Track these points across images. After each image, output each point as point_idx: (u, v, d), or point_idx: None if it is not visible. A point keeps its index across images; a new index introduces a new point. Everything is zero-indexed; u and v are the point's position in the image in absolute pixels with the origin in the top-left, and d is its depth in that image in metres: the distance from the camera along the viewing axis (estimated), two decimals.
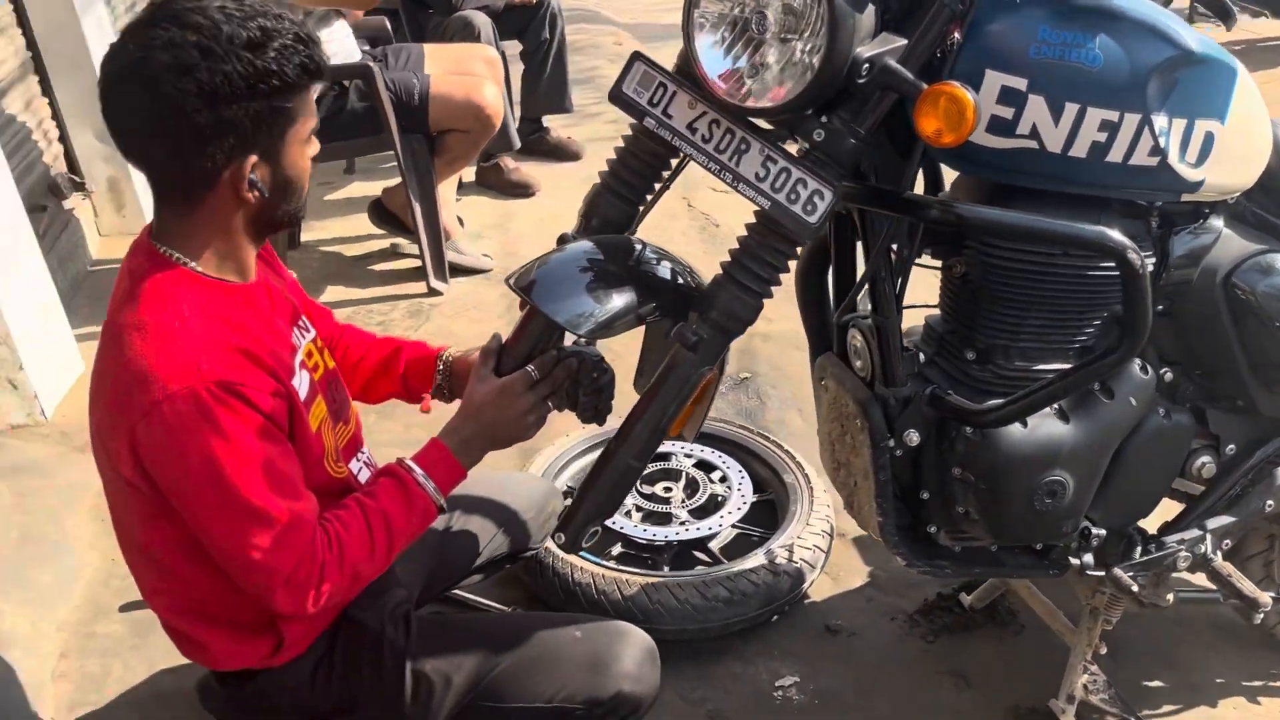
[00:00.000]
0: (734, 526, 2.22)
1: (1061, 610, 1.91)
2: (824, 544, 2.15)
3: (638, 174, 1.50)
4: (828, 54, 1.25)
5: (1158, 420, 1.61)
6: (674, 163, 1.52)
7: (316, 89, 1.33)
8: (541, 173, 4.30)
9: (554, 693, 1.46)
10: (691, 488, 2.30)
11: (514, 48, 4.37)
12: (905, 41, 1.31)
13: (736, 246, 1.42)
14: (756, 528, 2.25)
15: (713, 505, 2.25)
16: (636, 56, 1.44)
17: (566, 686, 1.46)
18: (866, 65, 1.28)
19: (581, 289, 1.35)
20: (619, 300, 1.36)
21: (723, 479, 2.32)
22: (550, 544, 1.97)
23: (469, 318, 3.33)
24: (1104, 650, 1.80)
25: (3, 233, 2.65)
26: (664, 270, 1.45)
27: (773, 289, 1.41)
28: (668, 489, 2.31)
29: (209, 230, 1.31)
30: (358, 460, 1.57)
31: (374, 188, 3.91)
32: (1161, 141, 1.39)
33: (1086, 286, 1.49)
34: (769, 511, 2.32)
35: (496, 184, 4.20)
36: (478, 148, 3.42)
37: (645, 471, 2.35)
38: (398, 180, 3.33)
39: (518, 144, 4.07)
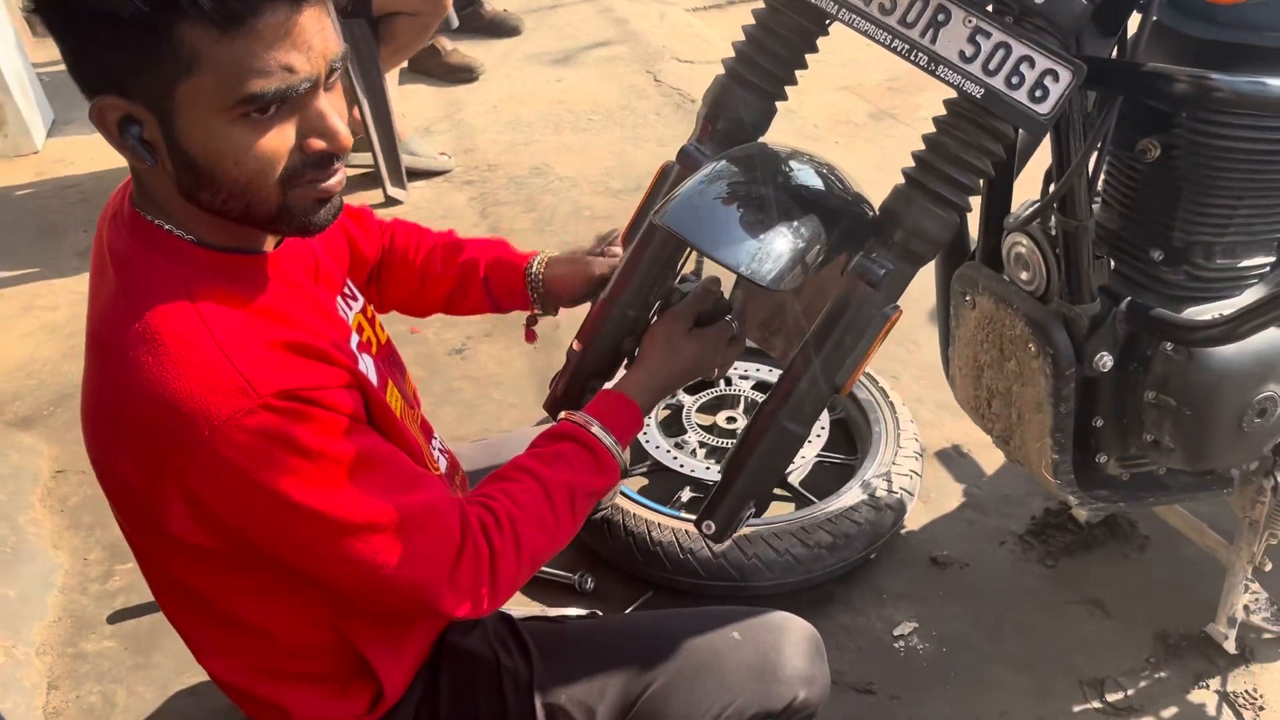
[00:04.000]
0: (816, 456, 1.96)
1: (1205, 523, 1.72)
2: (918, 467, 1.91)
3: (778, 59, 1.17)
4: None
5: None
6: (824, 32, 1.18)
7: (269, 42, 0.83)
8: (480, 52, 3.85)
9: (720, 710, 1.20)
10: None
11: None
12: None
13: (923, 146, 1.11)
14: (836, 454, 2.00)
15: None
16: None
17: (736, 700, 1.20)
18: None
19: (758, 229, 1.02)
20: (806, 233, 1.04)
21: None
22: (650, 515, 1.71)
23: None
24: (1269, 567, 1.61)
25: None
26: (831, 187, 1.13)
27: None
28: (731, 419, 2.03)
29: (157, 186, 0.92)
30: (433, 448, 1.25)
31: None
32: None
33: None
34: (843, 434, 2.06)
35: (434, 69, 3.74)
36: (429, 31, 2.98)
37: (701, 400, 2.08)
38: None
39: (455, 22, 3.60)
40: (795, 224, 1.03)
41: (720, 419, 2.03)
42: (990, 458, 2.06)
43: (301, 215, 0.92)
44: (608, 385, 1.25)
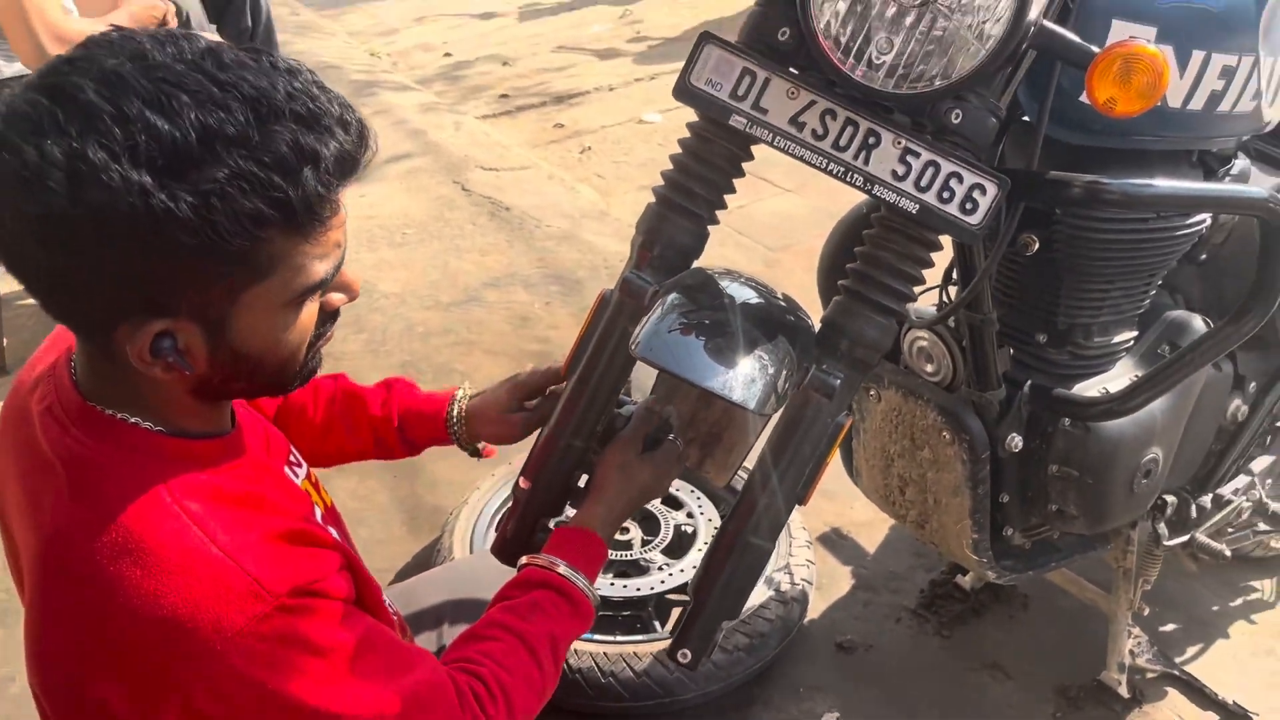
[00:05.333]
0: None
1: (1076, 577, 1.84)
2: (812, 555, 1.95)
3: (710, 184, 1.18)
4: (1014, 21, 1.01)
5: (1212, 373, 1.54)
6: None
7: (333, 228, 0.83)
8: None
9: None
10: (650, 526, 2.01)
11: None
12: None
13: (858, 260, 1.16)
14: None
15: (682, 541, 1.97)
16: (707, 38, 1.12)
17: None
18: (1030, 28, 1.05)
19: (736, 355, 1.02)
20: (778, 354, 1.05)
21: (679, 507, 2.05)
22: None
23: None
24: (1146, 612, 1.75)
25: None
26: (775, 306, 1.15)
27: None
28: (625, 531, 2.00)
29: (150, 384, 0.85)
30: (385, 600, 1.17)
31: None
32: (1262, 83, 1.28)
33: (1167, 248, 1.38)
34: None
35: None
36: None
37: None
38: None
39: None
40: (766, 348, 1.05)
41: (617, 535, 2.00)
42: (870, 537, 2.14)
43: (310, 371, 0.87)
44: (560, 521, 1.21)
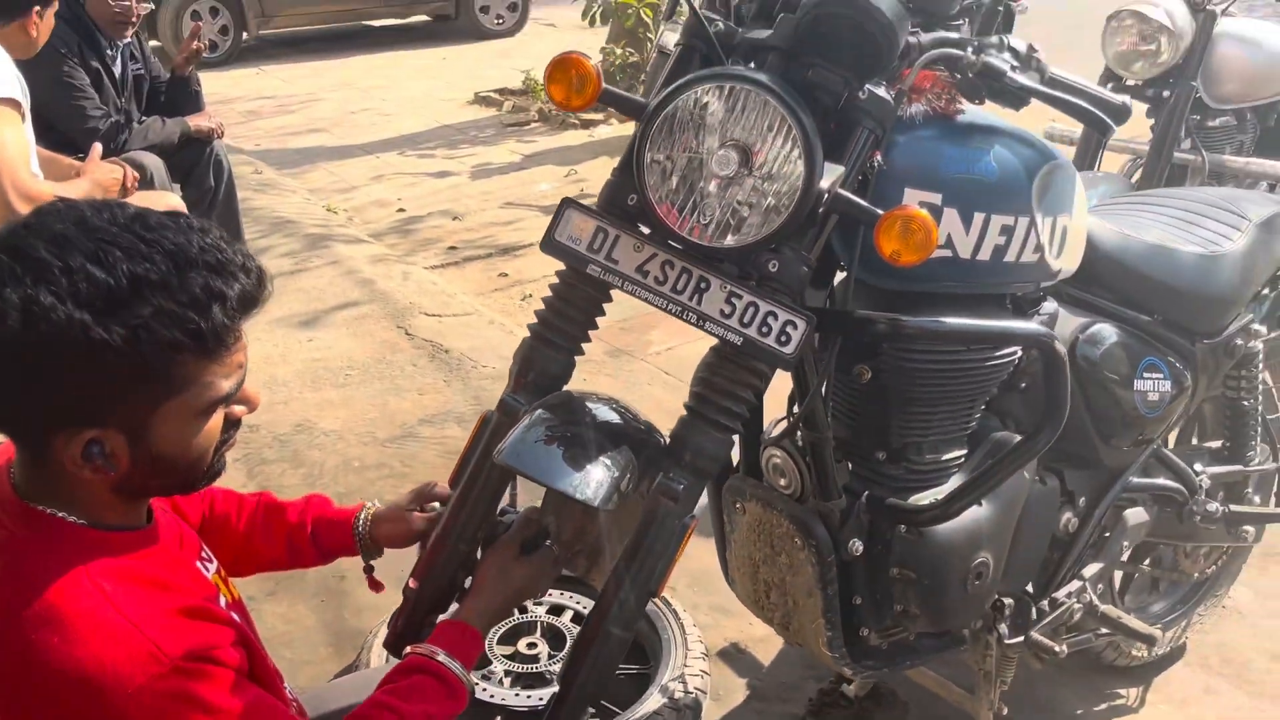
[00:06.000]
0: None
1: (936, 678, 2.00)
2: (707, 667, 2.09)
3: (574, 321, 1.41)
4: (804, 193, 1.25)
5: (1038, 488, 1.75)
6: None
7: (236, 352, 1.02)
8: None
9: None
10: (554, 637, 2.15)
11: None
12: (842, 168, 1.34)
13: (698, 384, 1.37)
14: (631, 665, 2.15)
15: None
16: (568, 203, 1.35)
17: None
18: (825, 195, 1.29)
19: (583, 461, 1.23)
20: (621, 460, 1.25)
21: (583, 621, 2.19)
22: None
23: None
24: (1005, 711, 1.90)
25: None
26: (629, 422, 1.36)
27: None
28: (531, 645, 2.14)
29: (78, 483, 1.03)
30: (288, 694, 1.31)
31: None
32: (1042, 238, 1.53)
33: (982, 376, 1.60)
34: (634, 645, 2.22)
35: None
36: None
37: (500, 629, 2.20)
38: None
39: None
40: (612, 455, 1.25)
41: (521, 645, 2.14)
42: (765, 651, 2.29)
43: (215, 471, 1.05)
44: (445, 616, 1.38)
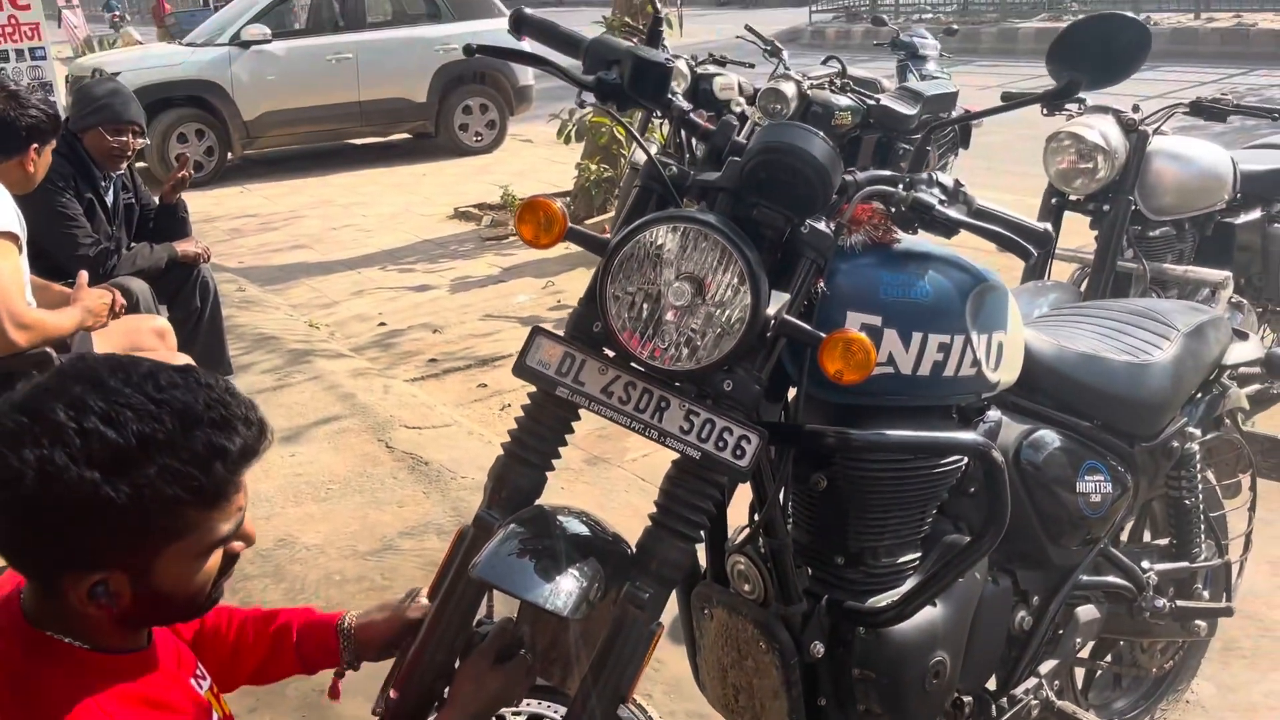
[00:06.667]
0: None
1: None
2: None
3: (545, 439, 1.51)
4: (751, 319, 1.37)
5: (991, 588, 1.84)
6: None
7: (236, 499, 1.13)
8: None
9: None
10: None
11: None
12: (787, 296, 1.46)
13: (661, 496, 1.47)
14: None
15: None
16: (537, 331, 1.47)
17: None
18: (771, 321, 1.42)
19: (552, 573, 1.32)
20: (590, 571, 1.34)
21: None
22: None
23: None
24: None
25: None
26: (598, 534, 1.45)
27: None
28: None
29: (84, 615, 1.12)
30: None
31: None
32: (979, 354, 1.65)
33: (931, 483, 1.70)
34: None
35: None
36: None
37: None
38: None
39: None
40: (581, 566, 1.34)
41: None
42: None
43: (213, 601, 1.14)
44: None
